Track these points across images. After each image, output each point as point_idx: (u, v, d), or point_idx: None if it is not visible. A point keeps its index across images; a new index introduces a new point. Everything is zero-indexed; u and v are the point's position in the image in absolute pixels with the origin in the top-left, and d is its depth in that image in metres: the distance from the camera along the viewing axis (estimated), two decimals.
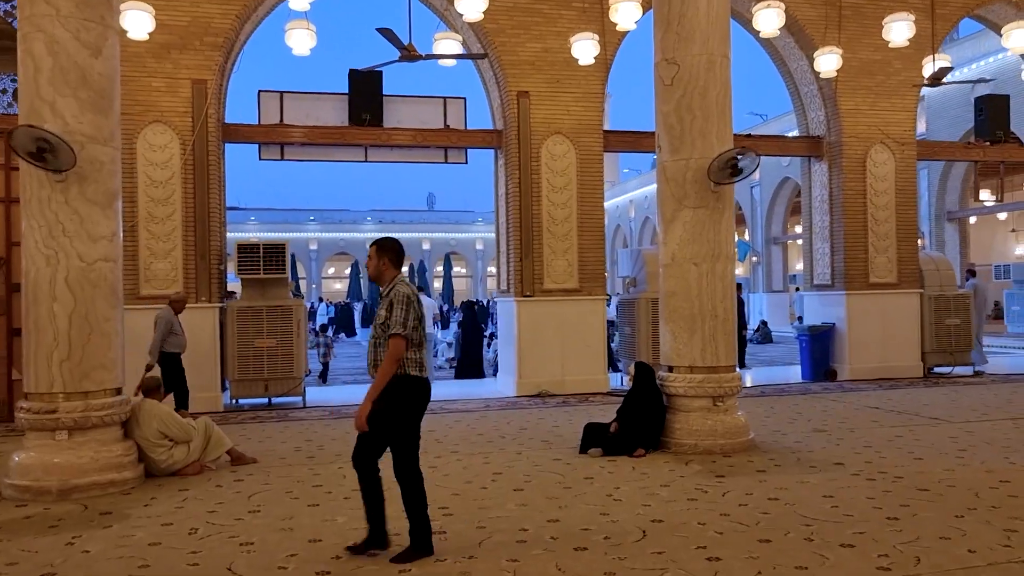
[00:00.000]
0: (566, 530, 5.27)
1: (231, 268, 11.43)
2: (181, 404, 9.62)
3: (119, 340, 6.86)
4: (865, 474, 6.68)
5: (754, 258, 36.63)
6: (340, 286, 66.99)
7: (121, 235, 6.99)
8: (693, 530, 5.21)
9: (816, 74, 13.32)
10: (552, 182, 12.41)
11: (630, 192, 51.90)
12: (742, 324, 17.19)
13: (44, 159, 6.30)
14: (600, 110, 12.67)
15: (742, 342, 17.01)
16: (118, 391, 6.84)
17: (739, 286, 18.17)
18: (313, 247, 70.85)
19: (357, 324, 36.35)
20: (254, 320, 11.31)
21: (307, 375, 12.25)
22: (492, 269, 77.17)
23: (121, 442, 6.77)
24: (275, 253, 11.23)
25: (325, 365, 16.31)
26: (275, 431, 9.49)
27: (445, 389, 13.46)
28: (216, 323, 11.26)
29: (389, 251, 4.89)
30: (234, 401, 11.44)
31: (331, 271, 73.12)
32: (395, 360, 4.64)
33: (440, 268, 64.81)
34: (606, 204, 12.97)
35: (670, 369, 8.08)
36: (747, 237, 38.52)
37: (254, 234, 66.35)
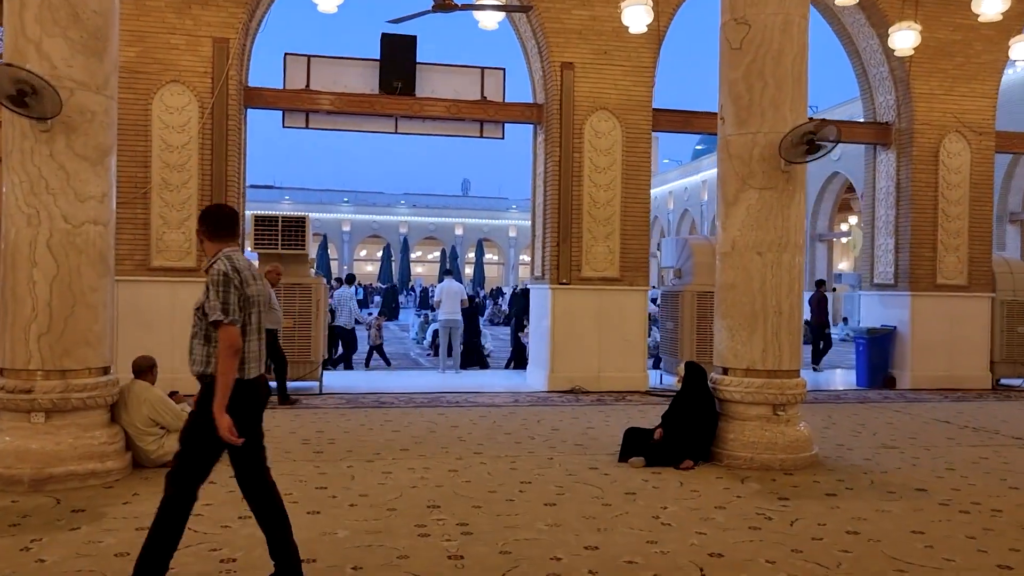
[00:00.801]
0: (607, 561, 4.40)
1: (248, 245, 10.68)
2: (280, 381, 9.61)
3: (107, 314, 6.11)
4: (956, 504, 5.71)
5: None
6: (372, 268, 66.74)
7: (114, 197, 6.22)
8: (761, 571, 4.31)
9: (888, 54, 12.24)
10: (595, 161, 11.49)
11: (670, 183, 50.38)
12: (825, 323, 16.01)
13: (26, 104, 5.55)
14: (650, 85, 11.70)
15: (827, 342, 15.86)
16: (105, 370, 6.10)
17: (821, 282, 17.07)
18: (346, 228, 70.53)
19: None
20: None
21: (329, 358, 11.51)
22: (525, 257, 76.37)
23: (106, 428, 6.03)
24: (295, 227, 10.47)
25: (375, 349, 15.36)
26: (285, 419, 8.74)
27: (473, 380, 12.64)
28: None
29: (203, 221, 4.02)
30: None
31: (363, 253, 72.81)
32: (232, 353, 3.69)
33: (472, 254, 64.17)
34: (671, 185, 11.90)
35: (724, 371, 7.16)
36: None
37: (287, 214, 66.08)
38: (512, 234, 74.60)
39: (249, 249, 10.65)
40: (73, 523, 4.90)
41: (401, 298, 46.75)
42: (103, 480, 5.80)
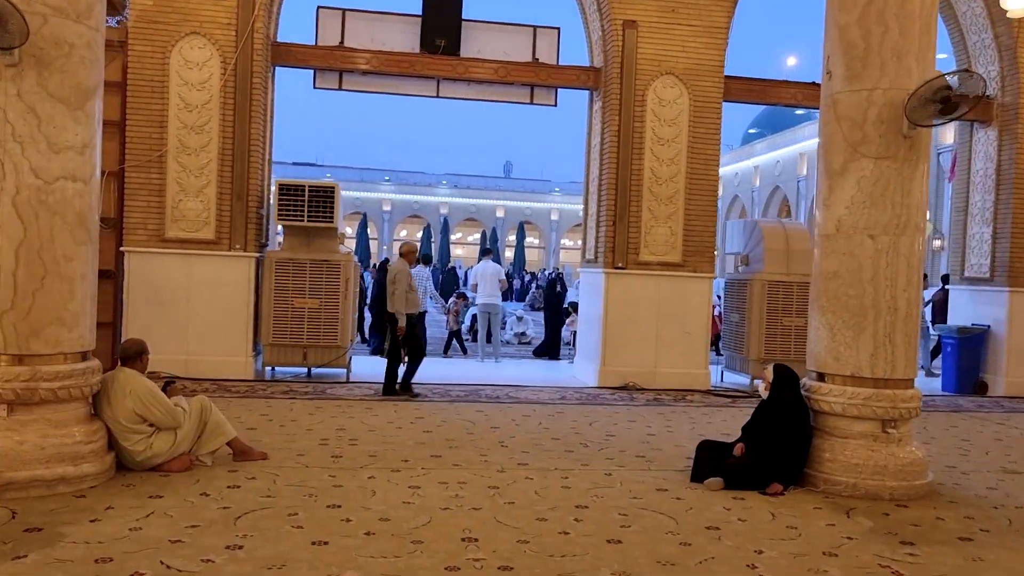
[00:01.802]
0: None
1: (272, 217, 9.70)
2: (414, 363, 8.96)
3: (87, 288, 5.12)
4: None
5: None
6: None
7: (99, 149, 5.22)
8: None
9: (993, 18, 10.80)
10: (658, 132, 10.27)
11: (756, 157, 45.68)
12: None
13: None
14: (722, 48, 10.43)
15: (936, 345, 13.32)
16: (83, 356, 5.12)
17: (946, 277, 14.26)
18: (386, 208, 69.89)
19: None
20: (295, 275, 9.58)
21: (359, 343, 10.52)
22: (567, 241, 75.09)
23: (83, 424, 5.06)
24: (323, 197, 9.43)
25: (453, 335, 14.03)
26: (304, 412, 7.75)
27: (515, 371, 11.56)
28: (251, 277, 9.57)
29: None
30: (270, 369, 9.77)
31: (403, 233, 72.08)
32: None
33: (513, 237, 63.09)
34: (721, 171, 10.70)
35: (821, 377, 5.96)
36: None
37: None
38: (554, 217, 73.26)
39: (274, 221, 9.67)
40: (19, 549, 3.91)
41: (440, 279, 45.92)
42: (75, 487, 4.84)
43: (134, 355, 5.45)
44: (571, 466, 6.08)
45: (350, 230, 62.96)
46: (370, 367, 11.04)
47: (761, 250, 10.95)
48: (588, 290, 11.04)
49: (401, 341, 8.82)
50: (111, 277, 9.31)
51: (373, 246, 58.98)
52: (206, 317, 9.40)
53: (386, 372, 8.87)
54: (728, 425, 8.07)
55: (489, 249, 13.39)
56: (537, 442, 6.87)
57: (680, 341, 10.35)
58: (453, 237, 64.47)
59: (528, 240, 66.24)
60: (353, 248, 51.22)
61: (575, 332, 12.79)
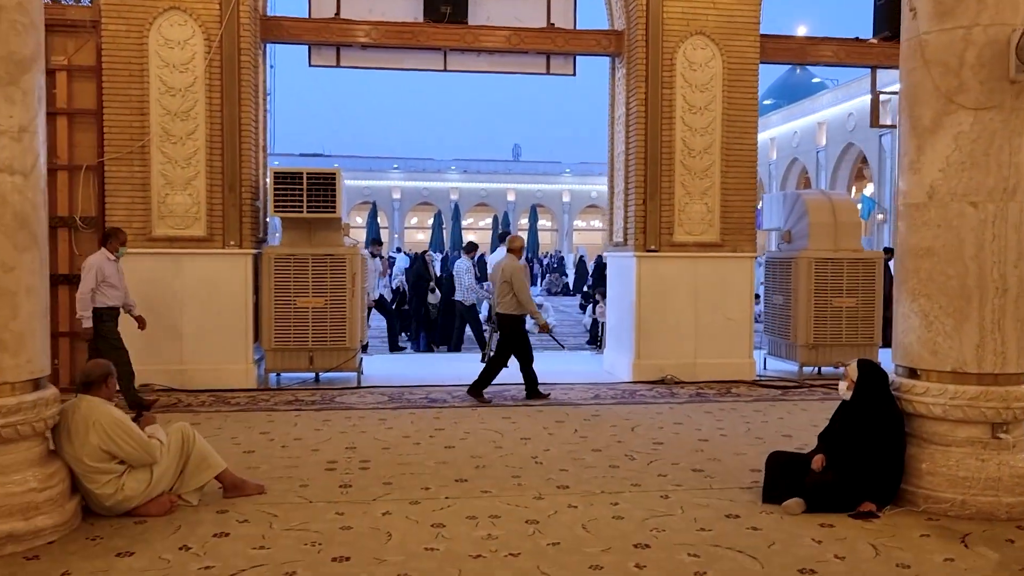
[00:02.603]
0: None
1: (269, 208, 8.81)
2: (526, 367, 8.32)
3: (36, 304, 4.26)
4: None
5: (880, 216, 32.41)
6: (423, 236, 65.22)
7: (42, 133, 4.34)
8: None
9: None
10: (689, 99, 9.30)
11: (772, 128, 43.03)
12: None
13: None
14: (757, 4, 9.42)
15: None
16: (35, 384, 4.26)
17: None
18: (396, 196, 69.08)
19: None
20: (296, 272, 8.71)
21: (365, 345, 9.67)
22: (579, 223, 74.04)
23: (37, 467, 4.21)
24: (323, 185, 8.53)
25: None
26: (310, 426, 6.89)
27: (537, 366, 10.62)
28: (248, 275, 8.71)
29: None
30: (273, 376, 8.93)
31: (414, 221, 71.36)
32: None
33: (525, 220, 62.17)
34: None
35: (913, 374, 5.03)
36: (871, 192, 34.22)
37: None
38: (566, 199, 72.22)
39: (270, 214, 8.79)
40: None
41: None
42: (27, 545, 3.99)
43: (98, 379, 4.58)
44: (620, 488, 5.19)
45: (360, 219, 62.30)
46: (381, 367, 10.18)
47: (805, 225, 9.98)
48: (617, 276, 10.11)
49: (507, 345, 8.30)
50: None
51: (384, 235, 58.18)
52: (200, 322, 8.56)
53: (484, 373, 8.29)
54: (787, 424, 7.15)
55: (507, 232, 12.47)
56: (576, 456, 5.98)
57: (721, 328, 9.42)
58: (464, 223, 63.62)
59: (541, 223, 65.28)
60: (363, 238, 50.56)
61: (599, 320, 11.88)
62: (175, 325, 8.52)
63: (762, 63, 9.58)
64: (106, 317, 7.42)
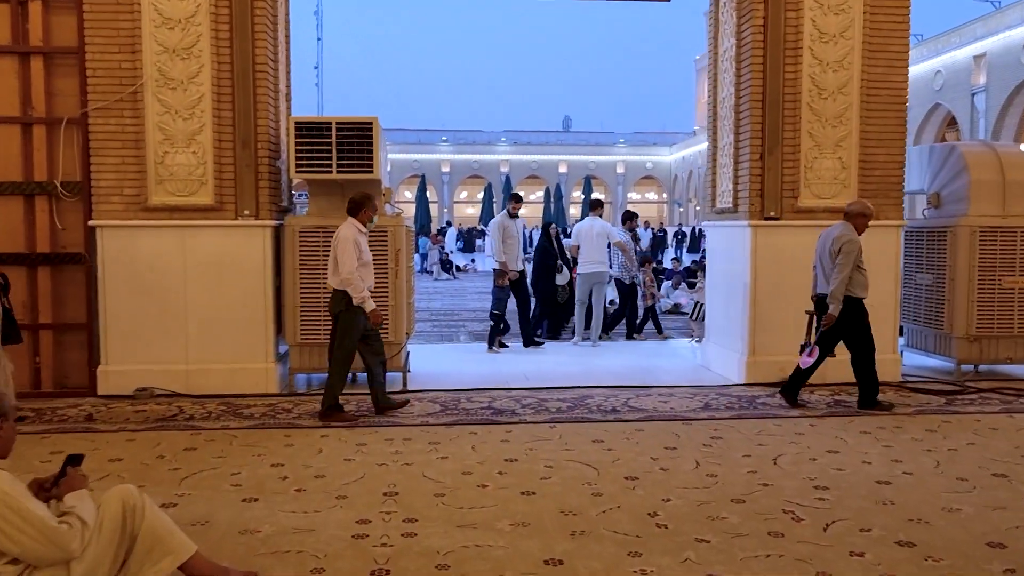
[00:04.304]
0: None
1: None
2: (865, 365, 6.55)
3: None
4: None
5: None
6: (472, 211, 63.74)
7: None
8: None
9: None
10: (820, 24, 7.28)
11: (978, 41, 31.22)
12: None
13: None
14: None
15: None
16: None
17: None
18: (445, 169, 67.66)
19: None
20: (327, 248, 6.98)
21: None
22: (633, 195, 71.51)
23: None
24: (357, 137, 6.76)
25: (647, 312, 10.87)
26: (340, 453, 5.18)
27: (619, 359, 8.80)
28: (267, 253, 7.02)
29: None
30: (302, 378, 7.25)
31: (463, 195, 69.92)
32: None
33: (578, 193, 60.12)
34: (911, 72, 7.54)
35: None
36: None
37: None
38: (620, 170, 69.90)
39: (291, 175, 7.05)
40: None
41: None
42: None
43: None
44: None
45: (409, 193, 60.88)
46: (431, 362, 8.45)
47: (964, 185, 7.90)
48: (722, 251, 8.17)
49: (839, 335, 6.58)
50: (81, 262, 6.88)
51: (433, 209, 56.70)
52: (210, 310, 6.92)
53: (794, 375, 6.60)
54: (987, 452, 5.18)
55: (599, 202, 10.38)
56: (712, 512, 4.14)
57: None
58: None
59: (594, 196, 63.14)
60: (414, 214, 49.01)
61: (699, 303, 9.96)
62: (178, 314, 6.90)
63: None
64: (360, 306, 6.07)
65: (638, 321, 10.72)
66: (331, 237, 6.94)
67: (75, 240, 6.87)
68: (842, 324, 6.48)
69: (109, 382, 6.82)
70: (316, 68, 67.54)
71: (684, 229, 42.36)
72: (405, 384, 7.25)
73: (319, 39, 65.85)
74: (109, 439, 5.51)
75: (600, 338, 9.82)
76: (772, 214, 7.35)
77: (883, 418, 6.17)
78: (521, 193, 9.96)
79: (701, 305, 9.84)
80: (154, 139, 6.81)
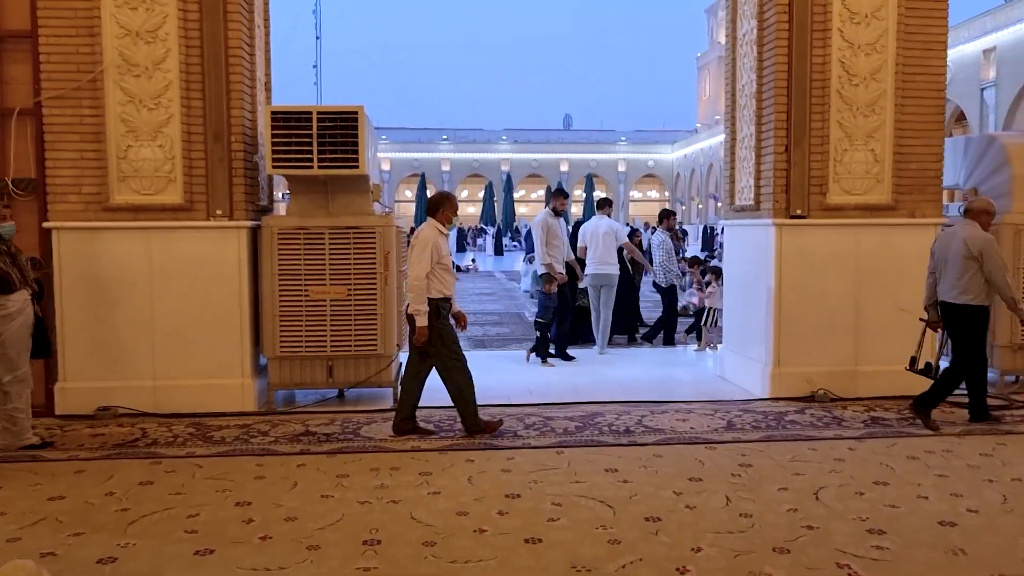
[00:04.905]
0: None
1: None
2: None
3: None
4: None
5: None
6: (473, 210, 63.10)
7: None
8: None
9: None
10: (850, 3, 6.62)
11: (987, 35, 30.79)
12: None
13: None
14: None
15: None
16: None
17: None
18: (445, 168, 67.06)
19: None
20: (309, 252, 6.33)
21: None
22: (635, 193, 70.76)
23: None
24: (342, 130, 6.09)
25: (697, 316, 9.84)
26: (317, 487, 4.52)
27: (628, 369, 8.13)
28: (243, 257, 6.36)
29: None
30: (284, 394, 6.60)
31: (464, 194, 69.22)
32: None
33: (579, 192, 59.51)
34: None
35: None
36: None
37: (384, 154, 62.75)
38: (621, 169, 69.25)
39: (268, 170, 6.38)
40: None
41: (505, 240, 42.66)
42: None
43: None
44: None
45: (409, 192, 60.19)
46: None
47: (1006, 179, 7.24)
48: (742, 251, 7.51)
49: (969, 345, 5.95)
50: (36, 268, 6.20)
51: None
52: (179, 321, 6.26)
53: (937, 387, 5.93)
54: None
55: (608, 200, 9.60)
56: (755, 568, 3.48)
57: (892, 323, 6.78)
58: (516, 195, 61.17)
59: (595, 194, 62.40)
60: (414, 213, 48.24)
61: (712, 309, 9.29)
62: (145, 326, 6.23)
63: None
64: (443, 310, 5.59)
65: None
66: (313, 239, 6.34)
67: (29, 244, 6.17)
68: (958, 330, 5.93)
69: (68, 401, 6.16)
70: (315, 67, 66.89)
71: (686, 228, 41.60)
72: (396, 399, 6.58)
73: (318, 37, 65.19)
74: (55, 471, 4.85)
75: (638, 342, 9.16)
76: (799, 212, 6.68)
77: (929, 440, 5.51)
78: (567, 190, 9.05)
79: (713, 310, 9.18)
80: (116, 131, 6.14)
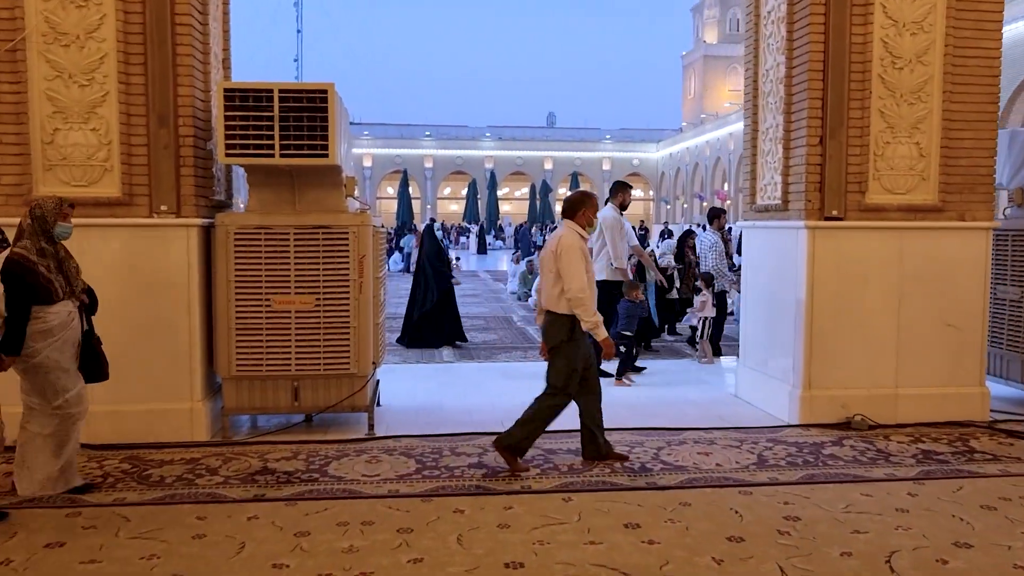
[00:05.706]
0: None
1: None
2: None
3: None
4: None
5: None
6: (456, 207, 62.22)
7: None
8: None
9: None
10: None
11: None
12: None
13: None
14: None
15: None
16: None
17: None
18: (428, 165, 66.05)
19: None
20: (271, 255, 5.42)
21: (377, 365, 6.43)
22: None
23: None
24: (308, 111, 5.18)
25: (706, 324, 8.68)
26: (270, 550, 3.61)
27: (634, 389, 7.28)
28: (194, 260, 5.44)
29: None
30: (243, 420, 5.68)
31: (447, 191, 68.33)
32: None
33: (564, 190, 58.71)
34: None
35: None
36: None
37: (366, 150, 61.51)
38: (606, 167, 68.50)
39: (220, 159, 5.44)
40: None
41: (488, 239, 41.79)
42: None
43: None
44: None
45: (391, 189, 59.08)
46: (407, 390, 6.90)
47: None
48: (764, 256, 6.67)
49: None
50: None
51: (416, 206, 55.02)
52: (117, 335, 5.30)
53: None
54: None
55: (624, 187, 8.57)
56: None
57: (938, 339, 5.99)
58: (500, 192, 60.30)
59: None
60: (396, 210, 47.20)
61: (706, 319, 8.49)
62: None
63: None
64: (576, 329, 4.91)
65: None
66: (276, 240, 5.42)
67: None
68: None
69: None
70: (296, 61, 65.54)
71: (672, 227, 40.93)
72: (372, 427, 5.68)
73: (299, 31, 64.00)
74: None
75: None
76: (834, 213, 5.85)
77: (999, 482, 4.70)
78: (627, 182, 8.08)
79: (707, 320, 8.40)
80: (41, 112, 5.20)
